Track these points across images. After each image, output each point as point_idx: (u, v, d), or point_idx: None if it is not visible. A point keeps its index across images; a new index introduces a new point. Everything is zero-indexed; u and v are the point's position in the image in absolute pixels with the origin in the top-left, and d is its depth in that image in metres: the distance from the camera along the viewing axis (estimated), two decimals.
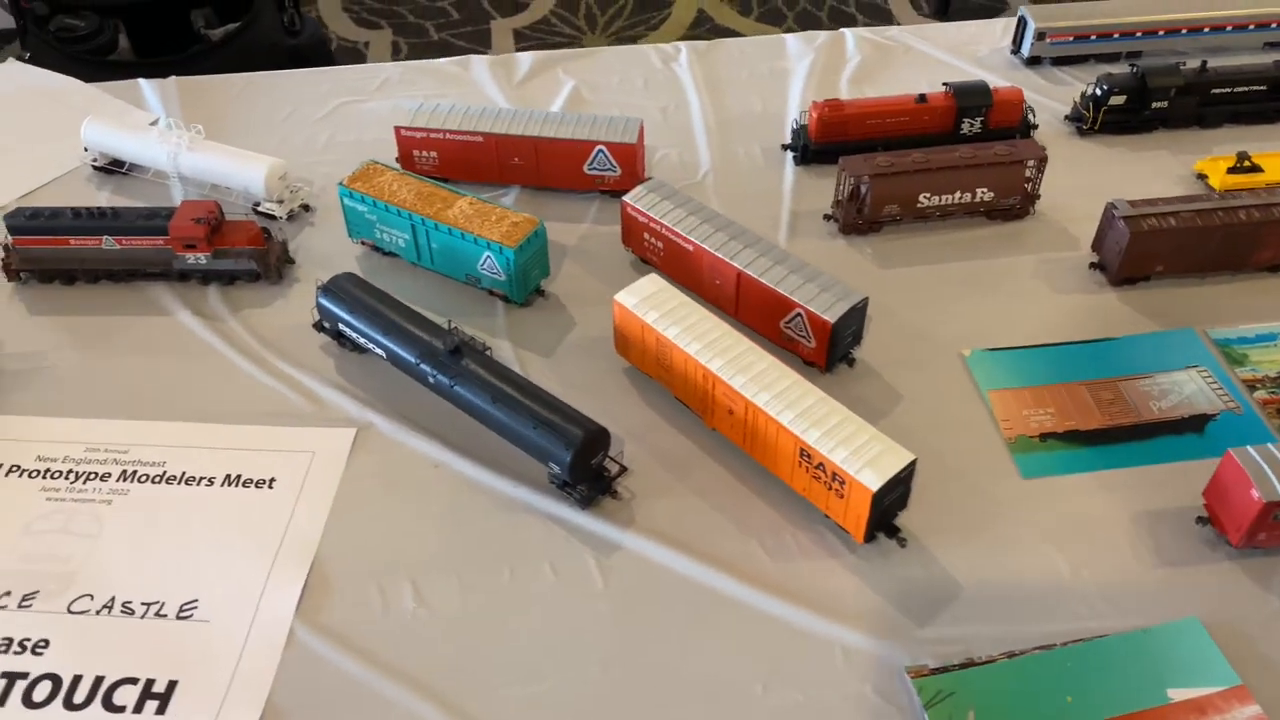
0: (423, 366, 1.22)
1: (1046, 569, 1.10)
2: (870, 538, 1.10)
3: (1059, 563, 1.10)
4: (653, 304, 1.23)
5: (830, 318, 1.23)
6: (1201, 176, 1.55)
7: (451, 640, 1.06)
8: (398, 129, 1.52)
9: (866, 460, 1.06)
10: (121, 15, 2.42)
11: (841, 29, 1.87)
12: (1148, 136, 1.64)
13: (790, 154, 1.62)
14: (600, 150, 1.49)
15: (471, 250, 1.35)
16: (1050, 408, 1.26)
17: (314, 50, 2.63)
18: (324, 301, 1.30)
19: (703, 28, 3.96)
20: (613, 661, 1.04)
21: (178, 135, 1.51)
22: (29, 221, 1.38)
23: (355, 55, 3.45)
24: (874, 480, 1.05)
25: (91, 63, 1.90)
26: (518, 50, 3.64)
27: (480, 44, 3.79)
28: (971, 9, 3.96)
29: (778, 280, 1.27)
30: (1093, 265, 1.42)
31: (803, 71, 1.78)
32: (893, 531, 1.12)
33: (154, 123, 1.53)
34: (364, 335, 1.27)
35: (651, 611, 1.08)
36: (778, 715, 1.00)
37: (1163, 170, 1.59)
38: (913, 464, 1.07)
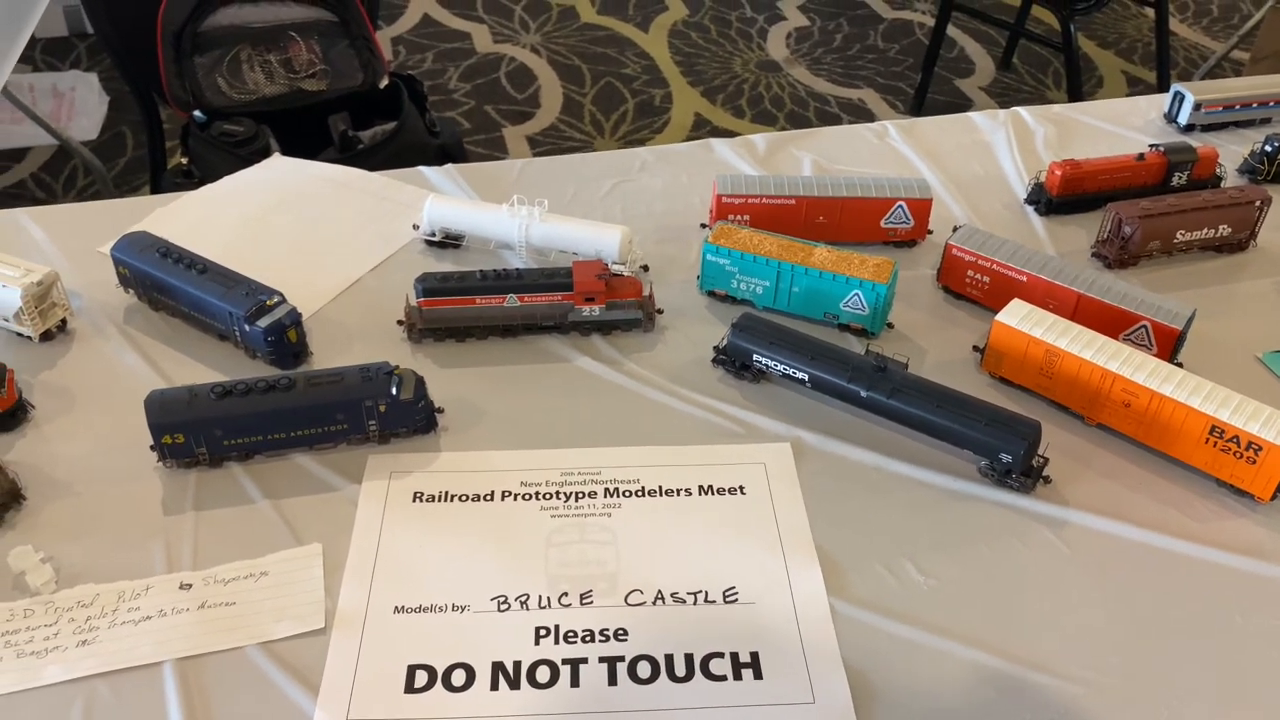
0: (853, 385, 1.41)
1: None
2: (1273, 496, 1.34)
3: None
4: (1031, 322, 1.46)
5: (1177, 325, 1.48)
6: None
7: (967, 598, 1.24)
8: (718, 196, 1.73)
9: (1277, 429, 1.30)
10: (269, 121, 2.58)
11: (1015, 108, 2.17)
12: None
13: (1030, 207, 1.89)
14: (900, 206, 1.73)
15: (839, 289, 1.56)
16: None
17: (456, 148, 2.82)
18: (736, 338, 1.48)
19: (703, 130, 4.29)
20: (1107, 602, 1.24)
21: (527, 210, 1.68)
22: (440, 284, 1.53)
23: None
24: None
25: (254, 163, 2.03)
26: (534, 155, 3.88)
27: (497, 150, 4.01)
28: (940, 105, 4.43)
29: (1119, 299, 1.52)
30: None
31: (1001, 142, 2.07)
32: None
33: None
34: (784, 363, 1.45)
35: (1118, 568, 1.28)
36: (1265, 634, 1.21)
37: None
38: None
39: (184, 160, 2.56)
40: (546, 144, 4.00)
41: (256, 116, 2.55)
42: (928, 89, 4.30)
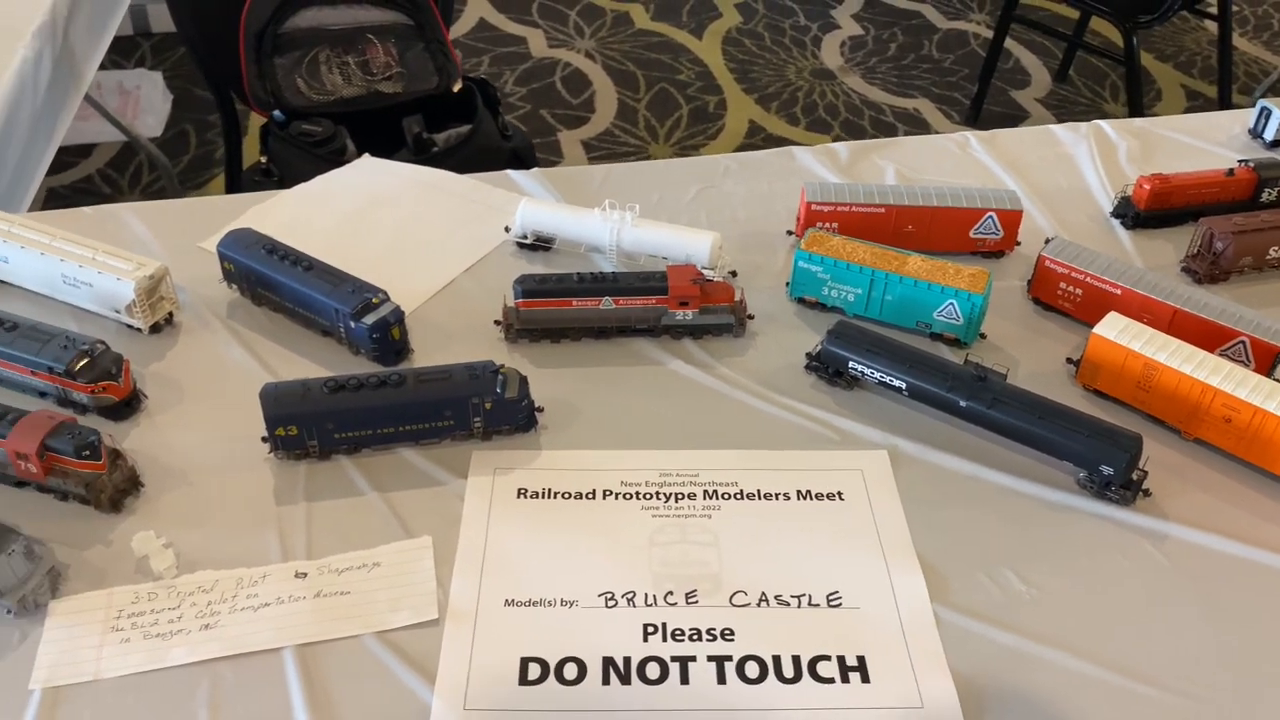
0: (953, 394, 1.42)
1: None
2: None
3: None
4: (1130, 335, 1.46)
5: (1277, 342, 1.48)
6: None
7: (1070, 608, 1.24)
8: (808, 203, 1.74)
9: None
10: (345, 122, 2.62)
11: (1095, 120, 2.17)
12: None
13: (1116, 220, 1.89)
14: (990, 216, 1.74)
15: (934, 298, 1.57)
16: None
17: (526, 153, 2.85)
18: (832, 345, 1.50)
19: (757, 136, 4.30)
20: (1210, 616, 1.24)
21: (619, 215, 1.70)
22: (539, 285, 1.55)
23: None
24: None
25: (332, 163, 2.06)
26: (589, 160, 3.89)
27: (553, 154, 4.03)
28: (996, 116, 4.42)
29: (1215, 314, 1.52)
30: None
31: (1084, 155, 2.07)
32: None
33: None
34: (882, 371, 1.46)
35: (1220, 583, 1.28)
36: None
37: None
38: None
39: (263, 159, 2.60)
40: (601, 149, 4.02)
41: (334, 117, 2.59)
42: (984, 100, 4.29)
